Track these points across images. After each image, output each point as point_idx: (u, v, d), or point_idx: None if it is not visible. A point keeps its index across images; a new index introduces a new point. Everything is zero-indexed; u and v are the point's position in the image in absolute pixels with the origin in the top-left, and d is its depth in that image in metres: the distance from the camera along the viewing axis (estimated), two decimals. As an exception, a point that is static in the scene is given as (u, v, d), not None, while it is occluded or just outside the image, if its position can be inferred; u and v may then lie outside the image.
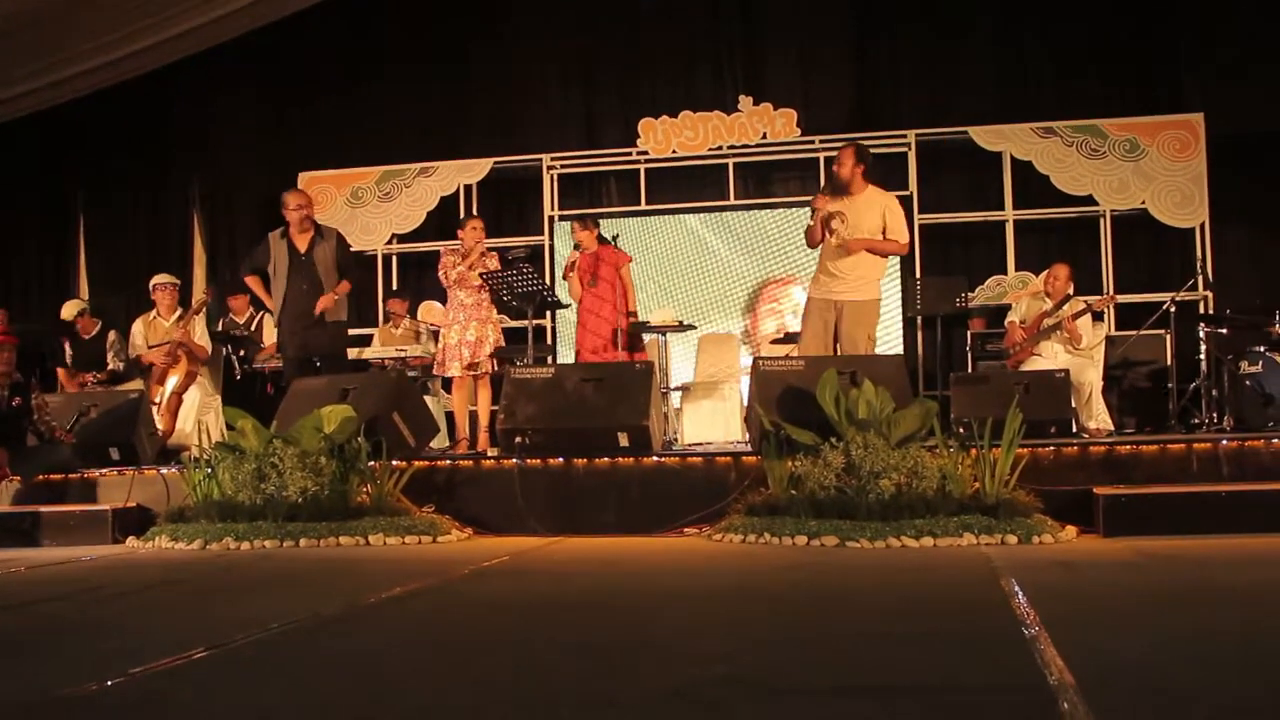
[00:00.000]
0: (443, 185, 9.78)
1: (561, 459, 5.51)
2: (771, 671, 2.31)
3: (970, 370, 8.09)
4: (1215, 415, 7.43)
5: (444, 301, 7.31)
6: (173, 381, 7.28)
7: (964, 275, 8.65)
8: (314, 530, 5.04)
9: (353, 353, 7.45)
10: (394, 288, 9.61)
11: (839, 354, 5.87)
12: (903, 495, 4.60)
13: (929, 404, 4.96)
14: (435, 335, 7.74)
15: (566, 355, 8.89)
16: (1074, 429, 6.26)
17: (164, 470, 5.97)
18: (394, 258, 9.90)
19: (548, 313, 8.84)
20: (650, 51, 9.87)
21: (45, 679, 2.37)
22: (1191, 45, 9.00)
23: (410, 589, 3.62)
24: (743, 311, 9.49)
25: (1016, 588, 3.26)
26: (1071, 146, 8.85)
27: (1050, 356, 7.10)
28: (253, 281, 6.75)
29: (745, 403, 6.74)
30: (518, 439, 5.56)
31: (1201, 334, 7.71)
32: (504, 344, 7.04)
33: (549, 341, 9.33)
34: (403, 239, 9.89)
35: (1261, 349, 6.85)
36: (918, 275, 8.81)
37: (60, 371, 7.86)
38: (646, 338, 7.37)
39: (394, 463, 5.42)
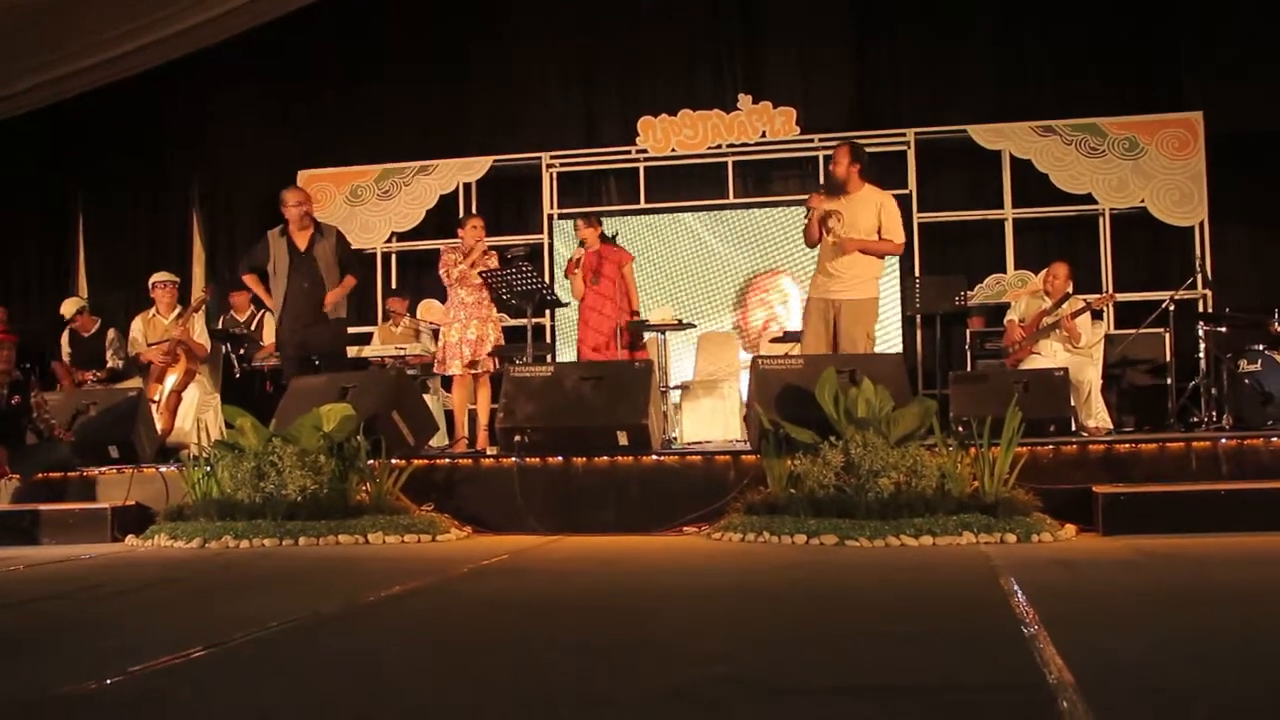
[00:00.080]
0: (442, 184, 9.77)
1: (561, 457, 5.52)
2: (771, 671, 2.31)
3: (969, 369, 8.09)
4: (1214, 414, 7.43)
5: (443, 300, 7.31)
6: (172, 380, 7.28)
7: (963, 274, 8.65)
8: (313, 529, 5.04)
9: (352, 351, 7.45)
10: (393, 286, 9.61)
11: (838, 353, 5.87)
12: (902, 494, 4.60)
13: (928, 403, 4.96)
14: (435, 334, 7.74)
15: (566, 354, 8.89)
16: (1073, 427, 6.26)
17: (163, 468, 5.97)
18: (393, 256, 9.90)
19: (547, 311, 8.83)
20: (650, 51, 9.86)
21: (44, 677, 2.37)
22: (1191, 45, 8.99)
23: (409, 588, 3.62)
24: (733, 305, 9.50)
25: (1016, 586, 3.26)
26: (1070, 145, 8.85)
27: (1049, 355, 7.10)
28: (251, 280, 6.74)
29: (744, 401, 6.74)
30: (517, 437, 5.56)
31: (1200, 332, 7.71)
32: (504, 343, 7.04)
33: (548, 340, 9.33)
34: (402, 237, 9.88)
35: (1261, 347, 6.85)
36: (917, 274, 8.82)
37: (56, 366, 7.85)
38: (646, 336, 7.37)
39: (393, 461, 5.43)
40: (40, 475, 6.05)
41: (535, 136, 9.83)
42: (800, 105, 9.30)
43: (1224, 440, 5.26)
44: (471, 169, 9.75)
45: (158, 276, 7.76)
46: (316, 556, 4.65)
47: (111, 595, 3.74)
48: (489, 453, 6.06)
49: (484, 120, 10.02)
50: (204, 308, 7.76)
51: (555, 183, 9.76)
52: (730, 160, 9.48)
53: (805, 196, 6.38)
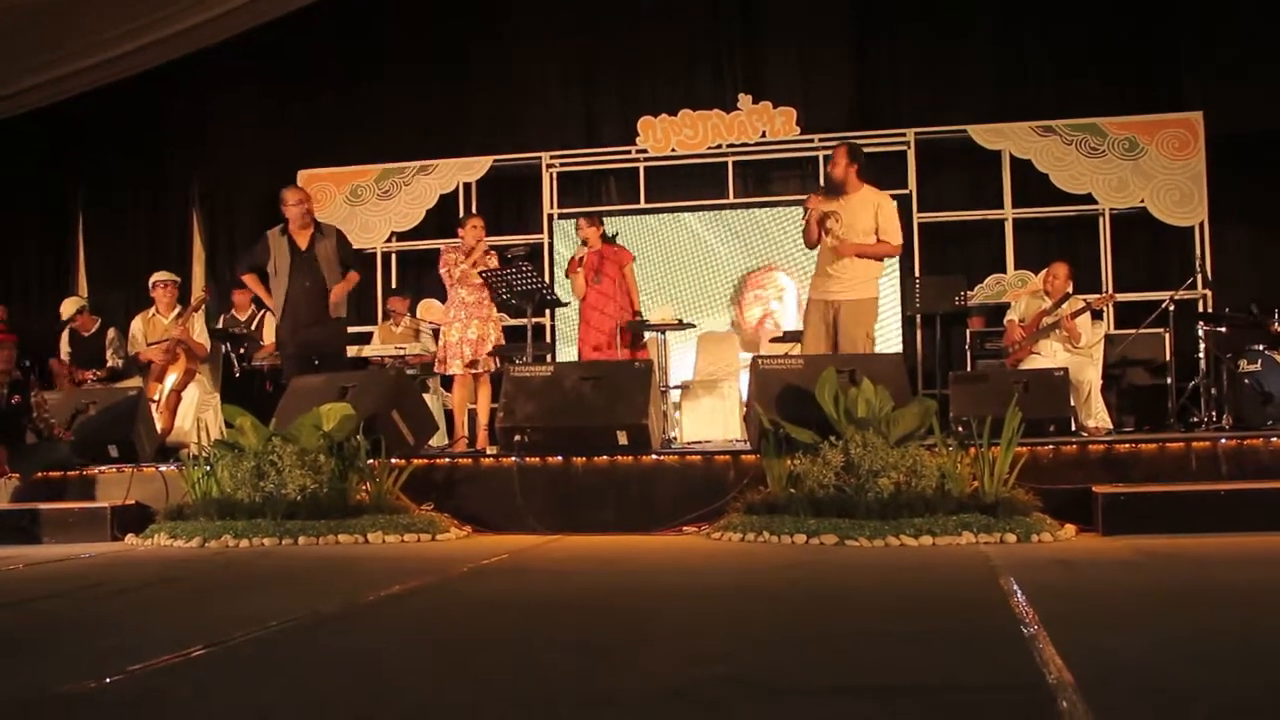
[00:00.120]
0: (442, 183, 9.77)
1: (560, 457, 5.51)
2: (771, 671, 2.31)
3: (969, 369, 8.09)
4: (1214, 414, 7.43)
5: (443, 299, 7.31)
6: (171, 379, 7.28)
7: (963, 274, 8.65)
8: (313, 528, 5.05)
9: (352, 350, 7.44)
10: (393, 286, 9.60)
11: (838, 353, 5.87)
12: (902, 494, 4.60)
13: (928, 403, 4.96)
14: (435, 333, 7.74)
15: (566, 353, 8.89)
16: (1073, 427, 6.26)
17: (163, 468, 5.97)
18: (393, 255, 9.90)
19: (547, 311, 8.83)
20: (650, 51, 9.86)
21: (44, 676, 2.37)
22: (1191, 45, 8.99)
23: (409, 587, 3.62)
24: (729, 302, 9.51)
25: (1015, 586, 3.26)
26: (1070, 145, 8.85)
27: (1049, 355, 7.10)
28: (251, 280, 6.73)
29: (744, 401, 6.74)
30: (517, 437, 5.56)
31: (1200, 332, 7.71)
32: (504, 342, 7.04)
33: (548, 340, 9.33)
34: (402, 237, 9.88)
35: (1260, 347, 6.85)
36: (917, 274, 8.82)
37: (53, 363, 7.84)
38: (645, 336, 7.37)
39: (393, 461, 5.43)
40: (40, 474, 6.05)
41: (535, 136, 9.82)
42: (800, 105, 9.30)
43: (1224, 440, 5.26)
44: (471, 169, 9.74)
45: (158, 276, 7.76)
46: (316, 556, 4.65)
47: (111, 594, 3.74)
48: (489, 452, 6.06)
49: (484, 120, 10.02)
50: (204, 307, 7.76)
51: (555, 182, 9.76)
52: (730, 160, 9.48)
53: (805, 196, 6.38)
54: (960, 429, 5.40)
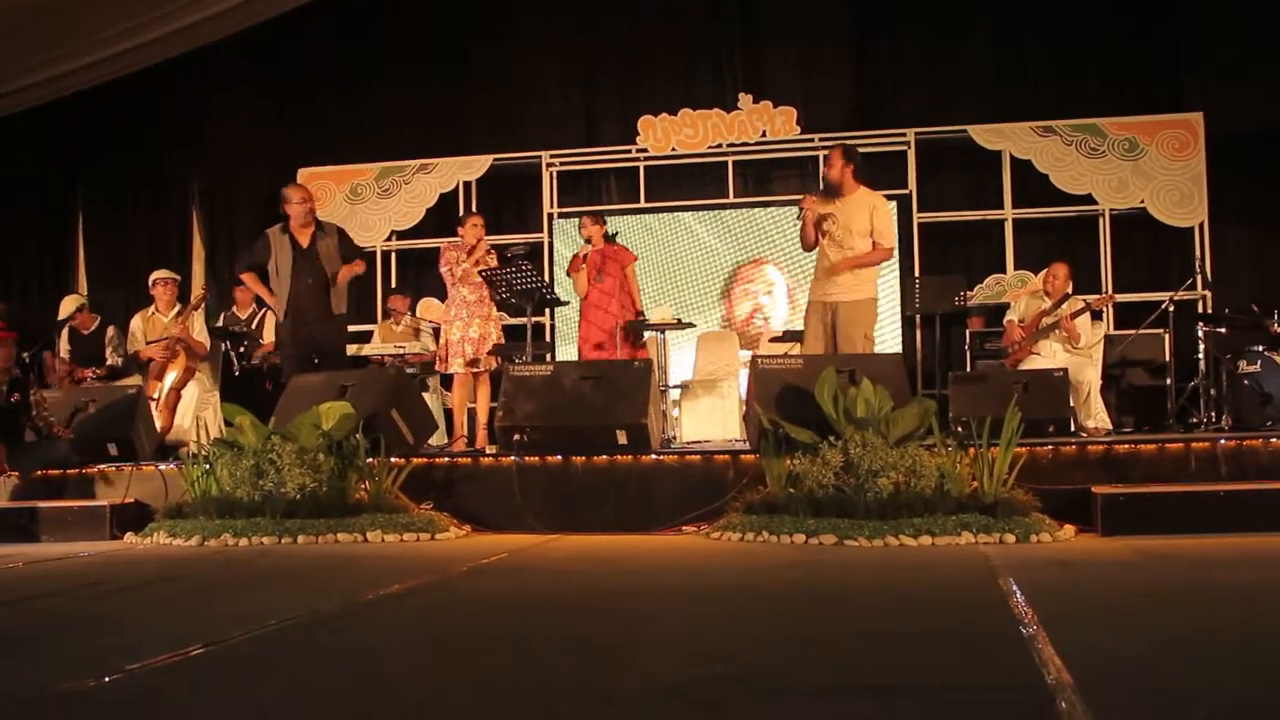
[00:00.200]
0: (442, 182, 9.77)
1: (560, 456, 5.51)
2: (771, 671, 2.31)
3: (969, 369, 8.09)
4: (1213, 414, 7.43)
5: (443, 298, 7.31)
6: (171, 377, 7.27)
7: (963, 274, 8.64)
8: (312, 527, 5.04)
9: (351, 349, 7.44)
10: (393, 284, 9.60)
11: (837, 353, 5.88)
12: (901, 494, 4.60)
13: (927, 403, 4.96)
14: (436, 332, 7.74)
15: (565, 352, 8.89)
16: (1072, 428, 6.26)
17: (162, 466, 5.97)
18: (393, 254, 9.90)
19: (546, 310, 8.83)
20: (650, 51, 9.86)
21: (43, 675, 2.37)
22: (1191, 45, 8.99)
23: (408, 586, 3.62)
24: (719, 298, 9.52)
25: (1014, 587, 3.26)
26: (1071, 145, 8.85)
27: (1049, 355, 7.10)
28: (250, 279, 6.71)
29: (744, 401, 6.74)
30: (516, 436, 5.56)
31: (1200, 333, 7.71)
32: (504, 341, 7.04)
33: (548, 339, 9.33)
34: (402, 235, 9.88)
35: (1260, 348, 6.85)
36: (916, 274, 8.82)
37: (48, 355, 7.83)
38: (645, 335, 7.37)
39: (392, 460, 5.42)
40: (39, 472, 6.05)
41: (535, 136, 9.82)
42: (800, 105, 9.30)
43: (1223, 441, 5.26)
44: (472, 167, 9.74)
45: (158, 274, 7.76)
46: (315, 555, 4.65)
47: (110, 593, 3.73)
48: (488, 451, 6.06)
49: (484, 120, 10.02)
50: (203, 305, 7.76)
51: (555, 182, 9.76)
52: (730, 160, 9.48)
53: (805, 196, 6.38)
54: (960, 429, 5.40)
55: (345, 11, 9.89)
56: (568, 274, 7.56)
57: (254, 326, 8.08)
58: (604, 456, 5.47)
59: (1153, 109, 8.85)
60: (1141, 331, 7.85)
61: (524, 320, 6.96)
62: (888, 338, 8.82)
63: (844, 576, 3.80)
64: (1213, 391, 7.56)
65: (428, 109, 10.09)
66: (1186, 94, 8.91)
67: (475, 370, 6.79)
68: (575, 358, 7.55)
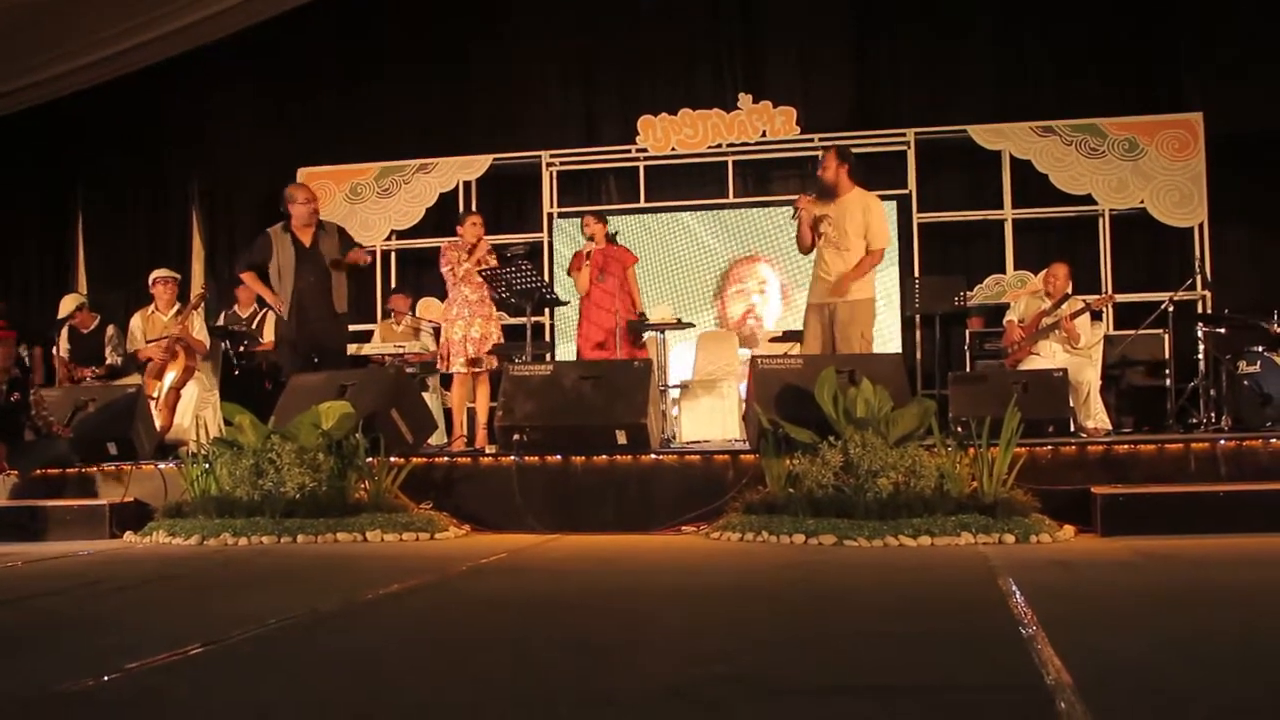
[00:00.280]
0: (442, 182, 9.77)
1: (559, 456, 5.51)
2: (771, 671, 2.31)
3: (968, 369, 8.09)
4: (1213, 415, 7.43)
5: (443, 297, 7.30)
6: (171, 376, 7.26)
7: (963, 274, 8.64)
8: (311, 526, 5.04)
9: (351, 348, 7.43)
10: (393, 284, 9.60)
11: (835, 354, 5.88)
12: (900, 494, 4.60)
13: (927, 403, 4.95)
14: (436, 332, 7.73)
15: (565, 352, 8.89)
16: (1072, 428, 6.26)
17: (161, 465, 5.96)
18: (393, 254, 9.90)
19: (546, 310, 8.83)
20: (650, 51, 9.86)
21: (42, 674, 2.37)
22: (1191, 45, 9.00)
23: (408, 586, 3.62)
24: (712, 297, 9.52)
25: (1014, 587, 3.26)
26: (1070, 145, 8.85)
27: (1048, 356, 7.09)
28: (250, 278, 6.69)
29: (743, 401, 6.74)
30: (516, 436, 5.56)
31: (1200, 333, 7.71)
32: (503, 340, 7.04)
33: (548, 339, 9.33)
34: (402, 235, 9.89)
35: (1260, 349, 6.86)
36: (916, 274, 8.82)
37: (37, 350, 7.81)
38: (645, 335, 7.38)
39: (392, 459, 5.42)
40: (38, 471, 6.04)
41: (535, 136, 9.82)
42: (800, 105, 9.31)
43: (1223, 441, 5.26)
44: (471, 167, 9.75)
45: (158, 273, 7.75)
46: (315, 554, 4.65)
47: (109, 592, 3.73)
48: (488, 451, 6.06)
49: (484, 120, 10.02)
50: (203, 305, 7.75)
51: (555, 181, 9.76)
52: (730, 160, 9.49)
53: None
54: (959, 429, 5.39)
55: (345, 11, 9.90)
56: (569, 273, 7.57)
57: (255, 326, 8.08)
58: (604, 456, 5.47)
59: (1153, 109, 8.86)
60: (1141, 332, 7.85)
61: (524, 320, 6.95)
62: (888, 338, 8.82)
63: (843, 577, 3.79)
64: (1212, 392, 7.56)
65: (428, 109, 10.09)
66: (1186, 94, 8.91)
67: (476, 370, 6.79)
68: (575, 357, 7.55)
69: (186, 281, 9.46)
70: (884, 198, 6.89)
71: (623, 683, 2.22)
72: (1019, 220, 9.02)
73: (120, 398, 6.51)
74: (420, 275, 9.56)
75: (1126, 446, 5.35)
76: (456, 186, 9.76)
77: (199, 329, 7.57)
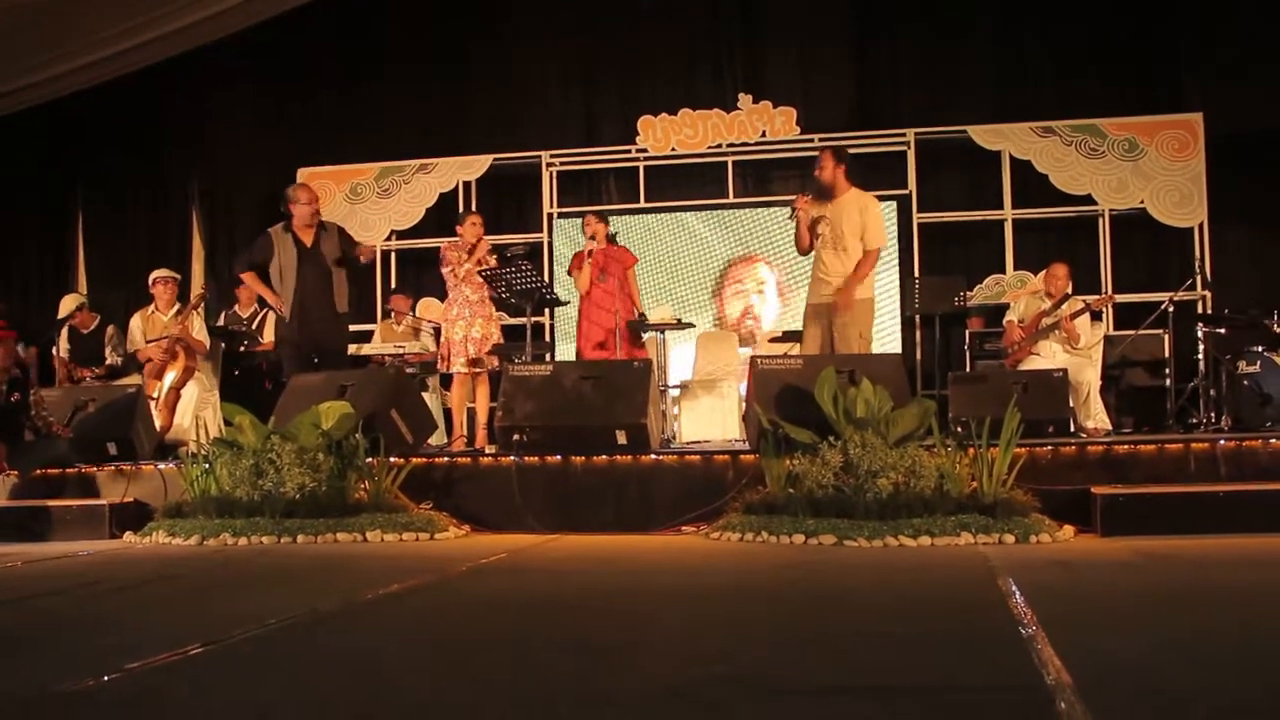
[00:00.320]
0: (442, 182, 9.77)
1: (559, 456, 5.51)
2: (771, 671, 2.31)
3: (968, 369, 8.09)
4: (1213, 415, 7.43)
5: (443, 298, 7.30)
6: (170, 376, 7.26)
7: (962, 274, 8.65)
8: (311, 526, 5.04)
9: (351, 348, 7.43)
10: (393, 284, 9.60)
11: (835, 354, 5.88)
12: (900, 494, 4.60)
13: (927, 403, 4.95)
14: (436, 332, 7.73)
15: (565, 352, 8.89)
16: (1072, 428, 6.26)
17: (161, 465, 5.96)
18: (393, 254, 9.90)
19: (546, 310, 8.83)
20: (650, 51, 9.86)
21: (42, 674, 2.37)
22: (1191, 45, 9.00)
23: (408, 586, 3.61)
24: (710, 296, 9.52)
25: (1014, 587, 3.26)
26: (1070, 146, 8.85)
27: (1048, 356, 7.10)
28: (250, 278, 6.69)
29: (743, 401, 6.74)
30: (516, 436, 5.56)
31: (1200, 334, 7.71)
32: (503, 341, 7.04)
33: (547, 339, 9.33)
34: (402, 235, 9.89)
35: (1260, 349, 6.86)
36: (916, 274, 8.82)
37: (34, 349, 7.80)
38: (645, 335, 7.38)
39: (392, 459, 5.42)
40: (38, 471, 6.04)
41: (535, 136, 9.83)
42: (800, 105, 9.31)
43: (1222, 442, 5.26)
44: (471, 167, 9.75)
45: (158, 273, 7.75)
46: (315, 554, 4.65)
47: (109, 592, 3.73)
48: (488, 451, 6.06)
49: (484, 120, 10.02)
50: (203, 305, 7.75)
51: (555, 181, 9.76)
52: (730, 160, 9.49)
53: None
54: (959, 429, 5.40)
55: (345, 11, 9.90)
56: (569, 273, 7.57)
57: (255, 326, 8.08)
58: (603, 456, 5.47)
59: (1153, 109, 8.86)
60: (1141, 332, 7.85)
61: (524, 320, 6.95)
62: (888, 338, 8.82)
63: (843, 577, 3.79)
64: (1212, 392, 7.57)
65: (428, 109, 10.10)
66: (1186, 94, 8.91)
67: (476, 370, 6.79)
68: (575, 357, 7.55)
69: (186, 281, 9.46)
70: (884, 198, 6.90)
71: (623, 683, 2.22)
72: (1019, 220, 9.02)
73: (120, 398, 6.51)
74: (420, 275, 9.56)
75: (1126, 447, 5.35)
76: (456, 186, 9.76)
77: (199, 329, 7.57)
